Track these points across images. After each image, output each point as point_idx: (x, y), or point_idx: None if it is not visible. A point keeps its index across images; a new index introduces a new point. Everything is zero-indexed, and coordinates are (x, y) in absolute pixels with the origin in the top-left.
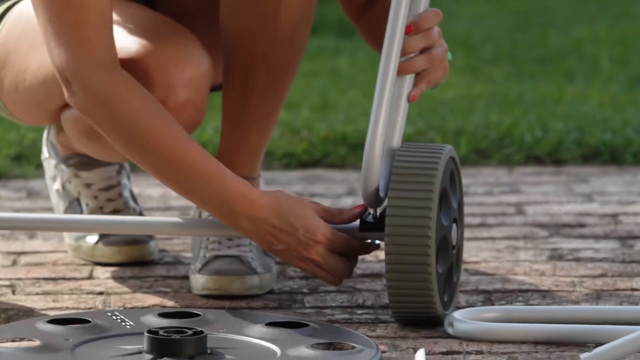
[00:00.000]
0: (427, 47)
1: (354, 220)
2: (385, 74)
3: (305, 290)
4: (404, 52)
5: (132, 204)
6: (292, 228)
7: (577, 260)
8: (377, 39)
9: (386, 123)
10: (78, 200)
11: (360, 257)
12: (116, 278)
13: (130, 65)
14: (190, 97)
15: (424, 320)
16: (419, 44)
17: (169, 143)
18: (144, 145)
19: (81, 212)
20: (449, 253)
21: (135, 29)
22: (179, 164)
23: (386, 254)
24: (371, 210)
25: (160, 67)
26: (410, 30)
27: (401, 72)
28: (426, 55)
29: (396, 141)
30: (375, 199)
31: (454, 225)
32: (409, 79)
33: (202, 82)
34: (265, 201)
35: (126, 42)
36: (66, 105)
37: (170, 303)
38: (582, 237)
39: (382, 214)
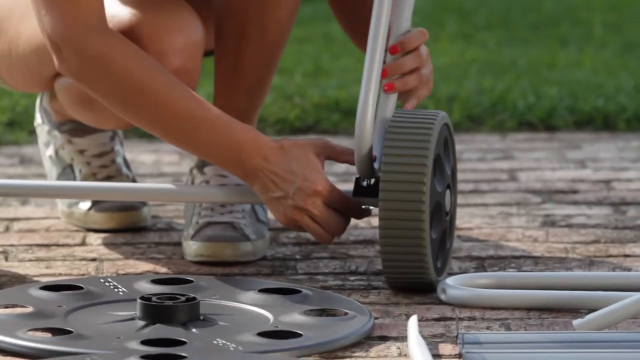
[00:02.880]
0: (417, 67)
1: None
2: (374, 46)
3: (298, 257)
4: (396, 72)
5: (125, 170)
6: (293, 175)
7: (570, 226)
8: (348, 25)
9: (376, 93)
10: (71, 166)
11: (352, 223)
12: (109, 244)
13: (123, 33)
14: (183, 65)
15: (417, 287)
16: (411, 64)
17: (170, 96)
18: (144, 101)
19: (74, 179)
20: (443, 219)
21: None
22: (182, 116)
23: (380, 219)
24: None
25: (153, 35)
26: (397, 50)
27: (396, 89)
28: (416, 74)
29: (390, 110)
30: (369, 167)
31: (448, 191)
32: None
33: (194, 50)
34: (272, 145)
35: (118, 10)
36: (59, 73)
37: (163, 269)
38: (575, 203)
39: (377, 179)
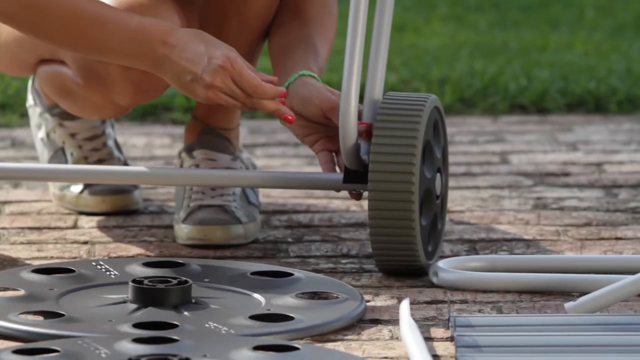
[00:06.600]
0: None
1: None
2: (355, 32)
3: (289, 240)
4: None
5: (116, 153)
6: (199, 57)
7: (562, 209)
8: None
9: (359, 81)
10: (63, 149)
11: (343, 206)
12: (101, 227)
13: None
14: None
15: (407, 271)
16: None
17: (73, 3)
18: (48, 14)
19: (66, 162)
20: (433, 204)
21: None
22: (87, 19)
23: (369, 207)
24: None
25: None
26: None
27: None
28: None
29: (377, 92)
30: (356, 158)
31: (438, 175)
32: (387, 24)
33: None
34: (178, 29)
35: None
36: (41, 61)
37: (154, 252)
38: (567, 186)
39: (366, 165)
